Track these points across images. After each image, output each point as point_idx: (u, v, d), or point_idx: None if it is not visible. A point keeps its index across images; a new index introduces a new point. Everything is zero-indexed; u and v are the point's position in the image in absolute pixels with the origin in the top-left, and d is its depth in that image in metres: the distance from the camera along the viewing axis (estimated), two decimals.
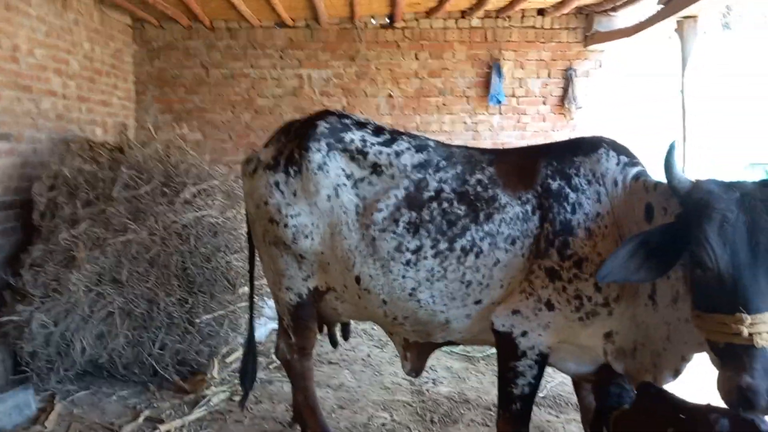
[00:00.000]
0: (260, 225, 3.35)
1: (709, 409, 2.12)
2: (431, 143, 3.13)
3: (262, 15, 7.77)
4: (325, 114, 3.32)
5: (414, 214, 2.90)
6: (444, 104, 8.19)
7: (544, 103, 8.16)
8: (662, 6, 5.72)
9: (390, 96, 8.19)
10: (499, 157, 3.03)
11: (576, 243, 2.65)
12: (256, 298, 5.22)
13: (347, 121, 3.24)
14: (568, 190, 2.73)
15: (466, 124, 8.16)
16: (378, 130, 3.20)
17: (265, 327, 5.95)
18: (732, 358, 2.07)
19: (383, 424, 4.18)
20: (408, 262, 2.88)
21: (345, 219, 3.04)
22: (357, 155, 3.09)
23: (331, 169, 3.09)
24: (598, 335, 2.72)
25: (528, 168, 2.85)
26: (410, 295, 2.92)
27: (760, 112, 11.42)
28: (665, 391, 2.35)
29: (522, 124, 8.16)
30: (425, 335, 3.09)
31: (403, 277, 2.90)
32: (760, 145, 11.24)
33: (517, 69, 8.10)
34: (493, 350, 5.46)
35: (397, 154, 3.05)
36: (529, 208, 2.78)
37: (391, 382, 4.99)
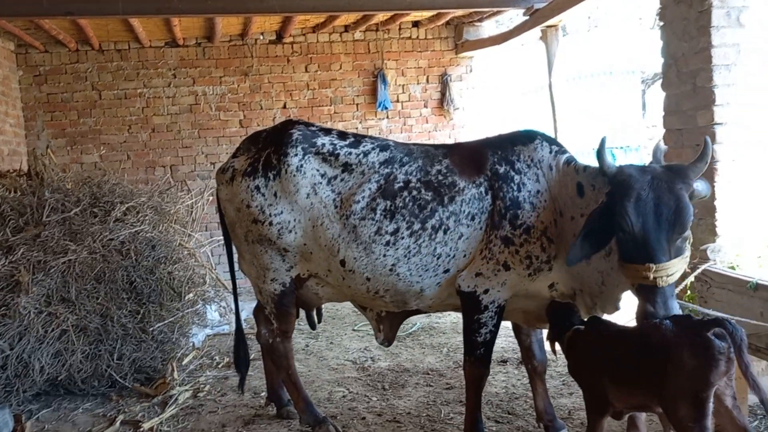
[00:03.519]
0: (242, 226, 3.79)
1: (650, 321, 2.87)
2: (391, 143, 3.74)
3: (154, 35, 7.96)
4: (292, 123, 3.81)
5: (389, 202, 3.49)
6: (336, 112, 8.83)
7: (425, 106, 9.04)
8: (527, 17, 6.73)
9: (284, 107, 8.69)
10: (451, 150, 3.70)
11: (524, 214, 3.36)
12: (199, 304, 5.59)
13: (314, 128, 3.77)
14: (513, 173, 3.44)
15: (357, 129, 8.83)
16: (342, 135, 3.76)
17: (202, 333, 6.24)
18: (643, 293, 2.87)
19: (344, 396, 4.72)
20: (388, 243, 3.47)
21: (325, 212, 3.57)
22: (329, 157, 3.63)
23: (307, 170, 3.60)
24: (544, 287, 3.47)
25: (478, 157, 3.54)
26: (390, 270, 3.51)
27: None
28: (610, 321, 3.13)
29: (408, 126, 8.99)
30: (402, 304, 3.67)
31: (384, 255, 3.49)
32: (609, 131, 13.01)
33: (399, 76, 8.92)
34: (415, 327, 6.22)
35: (365, 154, 3.63)
36: (482, 189, 3.45)
37: (335, 364, 5.52)
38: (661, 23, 4.41)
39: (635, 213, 2.82)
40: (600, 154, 3.02)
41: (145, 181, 7.91)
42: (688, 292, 3.73)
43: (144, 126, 8.38)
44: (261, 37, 8.55)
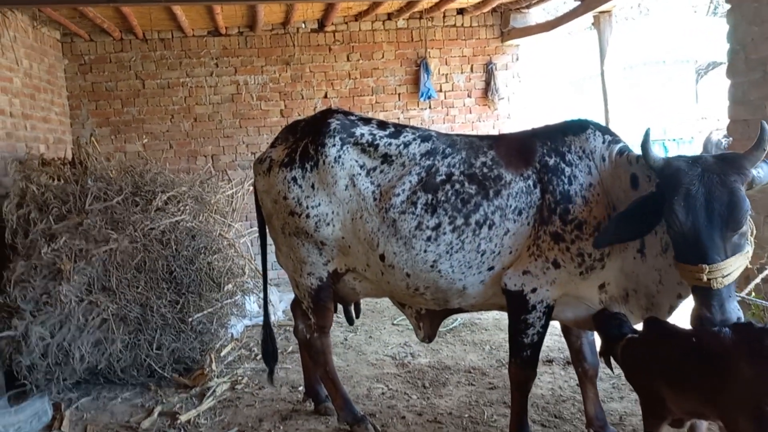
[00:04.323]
0: (278, 218, 3.68)
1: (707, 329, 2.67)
2: (433, 133, 3.57)
3: (197, 24, 7.93)
4: (330, 112, 3.69)
5: (430, 195, 3.33)
6: (377, 102, 8.66)
7: (469, 96, 8.81)
8: (579, 2, 6.46)
9: (325, 97, 8.57)
10: (497, 141, 3.51)
11: (575, 209, 3.16)
12: (238, 295, 5.53)
13: (353, 118, 3.64)
14: (563, 165, 3.24)
15: (399, 120, 8.66)
16: (381, 125, 3.61)
17: (241, 324, 6.20)
18: (699, 296, 2.67)
19: (383, 393, 4.60)
20: (429, 238, 3.32)
21: (364, 205, 3.43)
22: (368, 147, 3.49)
23: (345, 161, 3.47)
24: (594, 287, 3.26)
25: (525, 149, 3.35)
26: (431, 266, 3.35)
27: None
28: (668, 323, 2.93)
29: (451, 116, 8.78)
30: (443, 302, 3.52)
31: (425, 251, 3.34)
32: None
33: (442, 65, 8.71)
34: (456, 323, 6.06)
35: (405, 145, 3.48)
36: (530, 182, 3.27)
37: (374, 359, 5.41)
38: (728, 6, 4.12)
39: (684, 210, 2.63)
40: (645, 146, 2.82)
41: (186, 171, 7.89)
42: (753, 294, 3.48)
43: (186, 115, 8.37)
44: (303, 26, 8.44)
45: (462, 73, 8.77)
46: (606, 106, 6.57)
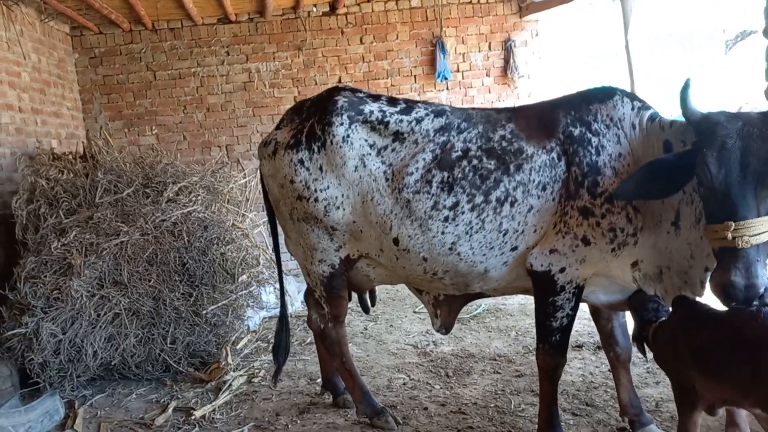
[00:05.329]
0: (286, 204, 3.50)
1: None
2: (447, 108, 3.35)
3: (206, 12, 7.77)
4: (337, 90, 3.48)
5: (446, 173, 3.12)
6: (393, 85, 8.42)
7: (487, 75, 8.53)
8: None
9: (339, 82, 8.34)
10: (516, 113, 3.28)
11: (604, 181, 2.93)
12: (254, 286, 5.37)
13: (361, 95, 3.43)
14: (589, 135, 3.00)
15: None
16: (392, 101, 3.40)
17: (257, 315, 6.06)
18: (723, 259, 2.42)
19: (404, 384, 4.41)
20: (446, 219, 3.11)
21: (375, 186, 3.23)
22: (378, 125, 3.28)
23: (354, 140, 3.27)
24: (626, 265, 3.03)
25: (547, 120, 3.12)
26: (450, 249, 3.14)
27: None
28: (699, 302, 2.69)
29: (469, 97, 8.51)
30: (463, 287, 3.31)
31: (442, 233, 3.13)
32: None
33: (459, 44, 8.43)
34: (480, 309, 5.85)
35: (418, 121, 3.26)
36: (554, 155, 3.04)
37: (395, 348, 5.22)
38: None
39: (717, 163, 2.41)
40: (684, 98, 2.57)
41: (201, 162, 7.72)
42: None
43: (199, 106, 8.22)
44: (314, 9, 8.23)
45: (480, 51, 8.49)
46: (631, 78, 6.26)
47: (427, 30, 8.36)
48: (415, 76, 8.43)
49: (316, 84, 8.31)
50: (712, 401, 2.50)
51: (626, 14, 6.14)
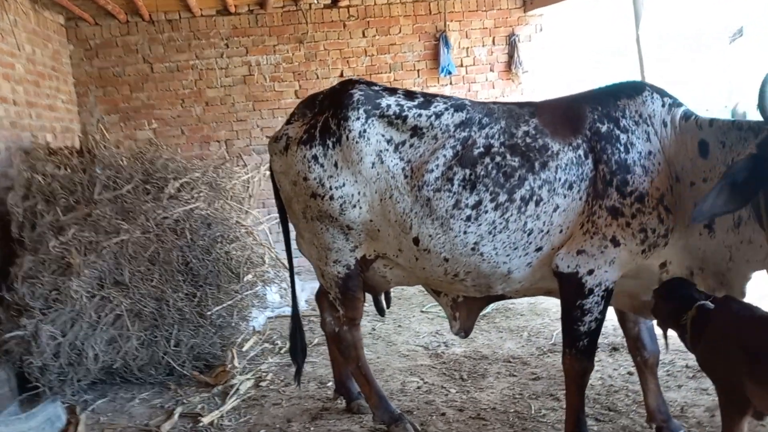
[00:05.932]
0: (299, 202, 3.34)
1: None
2: (467, 102, 3.20)
3: (205, 3, 7.59)
4: (352, 83, 3.32)
5: (468, 171, 2.98)
6: (395, 80, 8.26)
7: (491, 70, 8.40)
8: None
9: (341, 76, 8.18)
10: (539, 108, 3.14)
11: (634, 180, 2.80)
12: (259, 286, 5.21)
13: (377, 88, 3.27)
14: (618, 131, 2.87)
15: None
16: (409, 95, 3.24)
17: (263, 316, 5.90)
18: None
19: (419, 387, 4.28)
20: (468, 218, 2.97)
21: (394, 183, 3.08)
22: (395, 120, 3.13)
23: (371, 136, 3.12)
24: (655, 266, 2.91)
25: (573, 115, 2.98)
26: (473, 249, 3.00)
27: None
28: (746, 303, 2.57)
29: (473, 92, 8.36)
30: (486, 289, 3.17)
31: (465, 232, 2.99)
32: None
33: (462, 39, 8.29)
34: (488, 309, 5.72)
35: (437, 116, 3.11)
36: (581, 152, 2.91)
37: (406, 350, 5.09)
38: None
39: None
40: (762, 92, 2.38)
41: (200, 157, 7.53)
42: None
43: (197, 99, 8.04)
44: (315, 1, 8.05)
45: (483, 46, 8.35)
46: (642, 73, 6.13)
47: (431, 24, 8.22)
48: (418, 71, 8.29)
49: (317, 78, 8.16)
50: (762, 408, 2.38)
51: (637, 5, 6.00)
